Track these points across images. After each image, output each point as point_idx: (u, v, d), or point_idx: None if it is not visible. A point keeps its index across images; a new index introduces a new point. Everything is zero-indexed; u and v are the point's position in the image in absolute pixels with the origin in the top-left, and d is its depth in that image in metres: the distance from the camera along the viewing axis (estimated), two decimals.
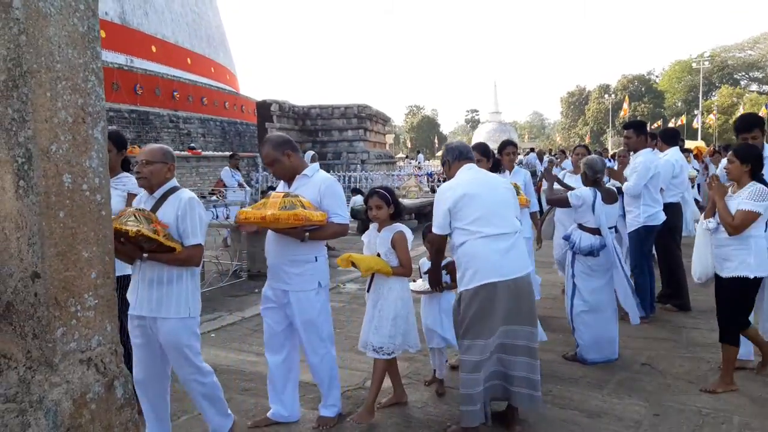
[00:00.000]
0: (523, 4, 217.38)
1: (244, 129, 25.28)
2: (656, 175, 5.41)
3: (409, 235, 3.55)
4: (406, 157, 39.97)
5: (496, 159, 5.06)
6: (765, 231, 3.87)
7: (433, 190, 17.00)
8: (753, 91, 63.30)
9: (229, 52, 31.58)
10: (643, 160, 5.39)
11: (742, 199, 3.74)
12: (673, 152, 6.17)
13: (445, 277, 3.86)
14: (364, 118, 21.26)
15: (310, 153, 12.35)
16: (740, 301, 3.90)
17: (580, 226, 4.48)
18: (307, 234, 3.23)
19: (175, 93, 21.15)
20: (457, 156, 3.52)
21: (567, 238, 4.57)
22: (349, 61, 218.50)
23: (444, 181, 3.76)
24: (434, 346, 3.97)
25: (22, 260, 1.84)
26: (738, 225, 3.72)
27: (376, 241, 3.60)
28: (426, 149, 62.76)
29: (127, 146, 3.96)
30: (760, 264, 3.80)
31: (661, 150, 6.39)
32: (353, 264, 3.45)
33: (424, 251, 4.57)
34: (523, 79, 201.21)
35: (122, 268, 2.91)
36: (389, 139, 46.57)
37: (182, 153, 18.09)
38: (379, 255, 3.54)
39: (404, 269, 3.54)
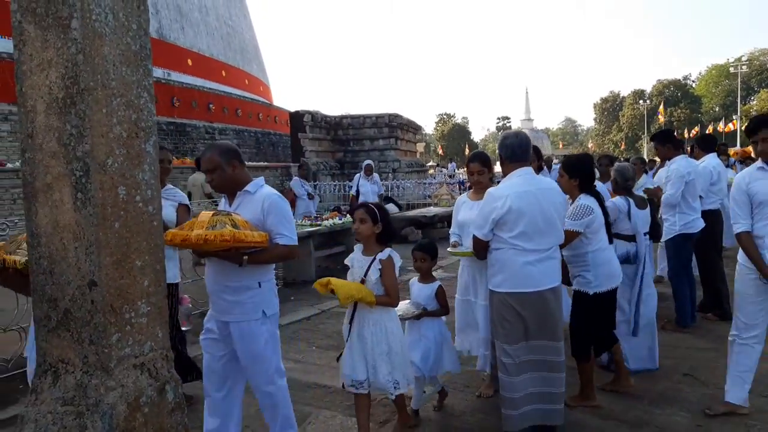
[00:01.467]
0: (555, 9, 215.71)
1: (277, 140, 25.65)
2: (691, 182, 5.33)
3: (397, 260, 3.24)
4: (437, 165, 39.95)
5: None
6: (610, 243, 3.89)
7: None
8: None
9: (263, 64, 32.12)
10: (677, 167, 5.33)
11: (566, 217, 3.62)
12: (710, 159, 6.13)
13: (430, 304, 3.69)
14: (395, 127, 21.35)
15: (367, 162, 12.24)
16: (584, 315, 3.79)
17: (615, 234, 4.44)
18: (246, 257, 2.86)
19: (210, 105, 21.60)
20: (509, 156, 3.35)
21: None
22: (380, 70, 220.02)
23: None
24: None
25: (79, 269, 1.92)
26: (564, 244, 3.52)
27: (361, 266, 3.26)
28: (457, 157, 62.60)
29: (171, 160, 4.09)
30: (599, 279, 3.73)
31: (698, 157, 6.31)
32: (332, 290, 3.05)
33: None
34: (555, 85, 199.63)
35: (170, 277, 3.00)
36: (420, 147, 46.64)
37: None
38: (363, 281, 3.20)
39: (390, 299, 3.20)
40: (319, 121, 20.28)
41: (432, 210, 13.50)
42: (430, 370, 3.65)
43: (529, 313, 3.19)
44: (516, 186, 3.23)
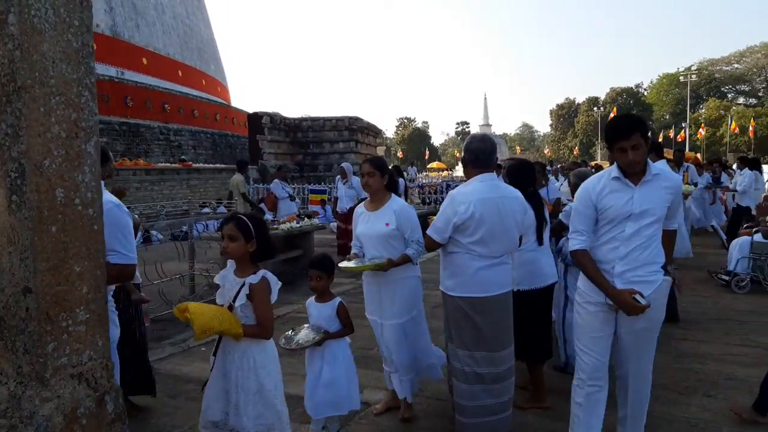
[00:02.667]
0: (513, 17, 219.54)
1: (235, 141, 25.29)
2: None
3: (273, 283, 2.77)
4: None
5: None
6: (540, 245, 3.91)
7: (425, 202, 17.03)
8: (740, 104, 64.25)
9: (221, 64, 31.65)
10: None
11: None
12: (662, 164, 6.28)
13: (332, 324, 3.33)
14: (356, 131, 21.35)
15: (344, 164, 10.95)
16: (522, 316, 3.79)
17: None
18: None
19: (165, 105, 21.15)
20: (473, 161, 3.30)
21: (559, 250, 4.60)
22: (341, 74, 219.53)
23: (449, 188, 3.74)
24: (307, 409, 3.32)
25: (14, 275, 1.84)
26: None
27: (232, 287, 2.76)
28: (417, 161, 62.95)
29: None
30: (521, 278, 3.82)
31: (653, 161, 6.50)
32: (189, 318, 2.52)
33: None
34: (513, 91, 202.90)
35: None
36: (380, 151, 46.72)
37: (173, 165, 18.06)
38: (231, 306, 2.71)
39: (261, 329, 2.70)
40: (278, 123, 20.11)
41: None
42: (340, 405, 3.27)
43: (481, 318, 3.21)
44: (480, 192, 3.20)
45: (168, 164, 18.41)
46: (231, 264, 2.79)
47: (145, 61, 22.36)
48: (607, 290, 2.83)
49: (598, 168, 12.15)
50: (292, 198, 10.88)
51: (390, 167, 4.14)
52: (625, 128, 2.79)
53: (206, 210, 14.69)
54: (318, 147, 21.34)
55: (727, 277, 7.34)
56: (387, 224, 3.59)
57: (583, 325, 3.02)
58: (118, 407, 2.02)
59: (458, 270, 3.25)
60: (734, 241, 7.77)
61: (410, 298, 3.71)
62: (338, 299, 3.40)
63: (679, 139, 48.72)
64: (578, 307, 3.06)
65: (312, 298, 3.44)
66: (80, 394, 1.90)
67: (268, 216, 9.99)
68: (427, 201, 17.09)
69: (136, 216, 8.39)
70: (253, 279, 2.69)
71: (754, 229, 7.50)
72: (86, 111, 1.99)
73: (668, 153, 14.64)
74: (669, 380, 4.34)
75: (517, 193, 3.41)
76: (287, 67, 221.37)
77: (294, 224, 8.65)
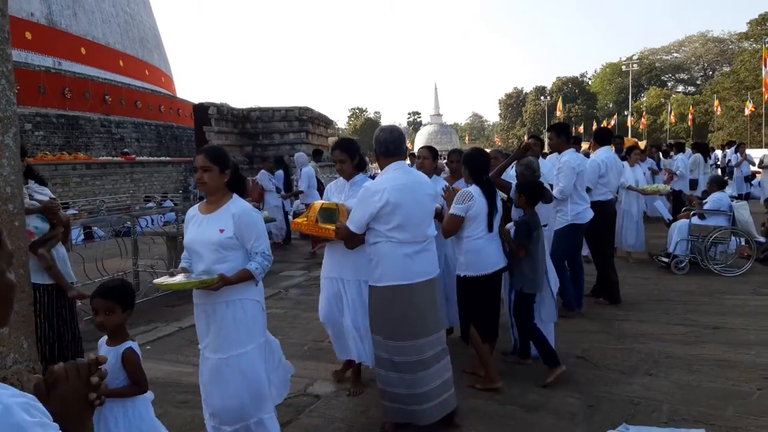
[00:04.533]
0: (461, 8, 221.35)
1: (180, 133, 24.64)
2: (581, 173, 5.58)
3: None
4: None
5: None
6: (489, 232, 3.92)
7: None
8: (679, 92, 66.75)
9: (165, 54, 30.71)
10: (567, 159, 5.52)
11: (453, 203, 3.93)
12: (602, 151, 6.37)
13: (116, 377, 2.55)
14: (306, 121, 21.08)
15: (301, 155, 11.34)
16: (461, 297, 4.01)
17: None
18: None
19: (106, 96, 20.40)
20: (384, 151, 3.41)
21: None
22: (292, 65, 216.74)
23: None
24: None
25: None
26: (444, 228, 3.96)
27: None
28: (369, 151, 62.90)
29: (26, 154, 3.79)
30: (468, 264, 3.90)
31: (593, 149, 6.63)
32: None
33: None
34: (463, 81, 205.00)
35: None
36: (332, 141, 46.41)
37: (115, 159, 17.47)
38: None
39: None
40: (225, 113, 19.66)
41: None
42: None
43: (406, 305, 3.25)
44: (393, 179, 3.27)
45: (110, 158, 17.78)
46: (103, 340, 2.54)
47: (83, 50, 21.47)
48: None
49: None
50: (278, 190, 10.65)
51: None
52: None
53: (150, 205, 14.28)
54: (268, 138, 20.97)
55: (666, 259, 7.61)
56: (221, 230, 2.89)
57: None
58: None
59: (383, 259, 3.27)
60: (673, 225, 8.06)
61: (248, 326, 2.95)
62: (128, 344, 2.51)
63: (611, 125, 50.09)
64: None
65: (104, 339, 2.58)
66: None
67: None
68: None
69: (68, 212, 8.08)
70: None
71: (692, 212, 7.80)
72: (3, 101, 1.87)
73: (629, 141, 15.13)
74: (612, 361, 4.48)
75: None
76: (236, 57, 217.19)
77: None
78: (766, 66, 29.63)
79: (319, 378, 4.32)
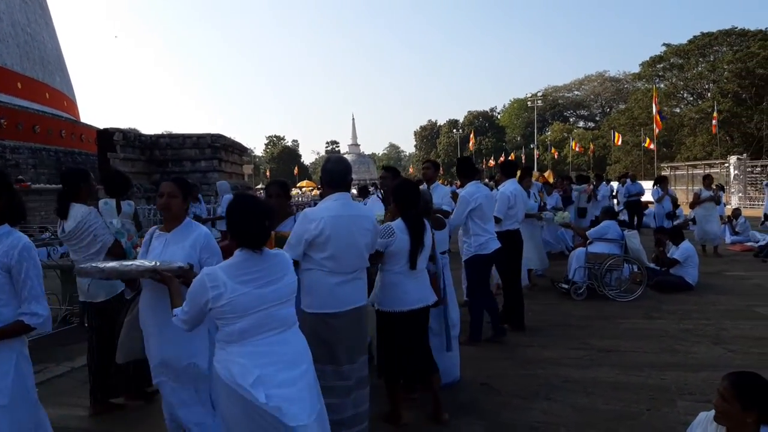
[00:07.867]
0: (379, 41, 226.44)
1: (83, 159, 23.33)
2: (479, 206, 5.59)
3: None
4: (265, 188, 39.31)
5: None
6: (411, 269, 3.77)
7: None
8: (580, 127, 71.18)
9: (68, 77, 29.20)
10: (464, 192, 5.68)
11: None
12: (509, 184, 6.59)
13: None
14: (219, 148, 20.64)
15: (223, 183, 11.17)
16: (380, 332, 3.89)
17: None
18: None
19: (1, 120, 19.08)
20: (329, 181, 3.41)
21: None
22: (207, 92, 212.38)
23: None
24: None
25: None
26: (372, 261, 3.66)
27: None
28: (288, 179, 62.30)
29: None
30: (384, 299, 3.79)
31: (500, 182, 6.88)
32: None
33: None
34: (380, 112, 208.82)
35: None
36: (248, 169, 45.59)
37: None
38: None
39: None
40: (132, 140, 18.92)
41: None
42: None
43: (336, 333, 3.25)
44: (331, 210, 3.28)
45: None
46: None
47: None
48: None
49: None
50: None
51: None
52: None
53: (46, 236, 13.35)
54: (178, 165, 20.30)
55: (567, 286, 7.98)
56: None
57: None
58: None
59: (313, 287, 3.27)
60: (572, 253, 8.50)
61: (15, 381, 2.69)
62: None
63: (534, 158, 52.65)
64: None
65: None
66: None
67: None
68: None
69: None
70: None
71: (588, 241, 8.25)
72: None
73: (549, 175, 15.60)
74: (514, 387, 4.60)
75: (370, 213, 3.54)
76: (147, 83, 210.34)
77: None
78: (655, 104, 32.26)
79: None
